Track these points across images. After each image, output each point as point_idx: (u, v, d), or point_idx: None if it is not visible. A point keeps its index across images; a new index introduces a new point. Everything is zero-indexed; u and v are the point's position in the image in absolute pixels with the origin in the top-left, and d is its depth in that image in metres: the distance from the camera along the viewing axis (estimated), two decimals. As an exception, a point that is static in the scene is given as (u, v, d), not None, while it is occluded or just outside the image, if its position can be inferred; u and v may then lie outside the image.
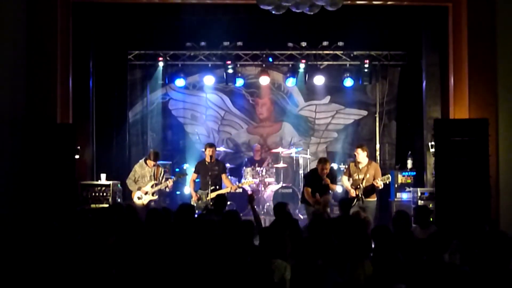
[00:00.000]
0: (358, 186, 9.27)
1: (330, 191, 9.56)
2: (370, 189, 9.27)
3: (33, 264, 4.96)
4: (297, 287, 4.74)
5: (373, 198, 9.42)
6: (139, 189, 9.79)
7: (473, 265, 4.84)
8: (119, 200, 10.14)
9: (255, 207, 7.78)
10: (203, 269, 4.87)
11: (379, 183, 9.20)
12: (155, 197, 9.92)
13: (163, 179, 10.01)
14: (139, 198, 9.76)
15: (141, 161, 10.07)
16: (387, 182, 9.45)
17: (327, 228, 6.11)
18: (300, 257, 4.82)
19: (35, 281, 4.79)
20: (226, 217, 6.22)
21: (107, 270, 5.00)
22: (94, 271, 4.91)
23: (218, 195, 8.91)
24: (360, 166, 9.43)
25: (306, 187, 9.43)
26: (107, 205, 9.62)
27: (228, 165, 11.75)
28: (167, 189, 10.17)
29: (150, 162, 9.92)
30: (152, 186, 9.82)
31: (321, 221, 6.36)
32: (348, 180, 9.51)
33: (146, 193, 9.76)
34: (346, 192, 11.22)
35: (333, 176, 9.57)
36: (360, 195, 9.20)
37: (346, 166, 10.24)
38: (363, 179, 9.27)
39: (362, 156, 9.43)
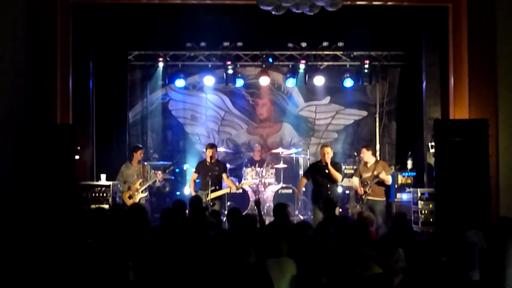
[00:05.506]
0: (366, 183, 9.32)
1: (335, 181, 9.30)
2: (379, 185, 9.34)
3: (34, 265, 4.96)
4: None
5: (382, 198, 9.41)
6: (129, 188, 9.92)
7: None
8: (118, 200, 10.14)
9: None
10: (203, 269, 4.86)
11: (384, 175, 9.24)
12: (145, 194, 10.01)
13: (150, 176, 10.10)
14: (130, 197, 9.86)
15: (127, 162, 10.19)
16: (393, 170, 9.77)
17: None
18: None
19: (36, 282, 4.79)
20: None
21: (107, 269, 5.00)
22: (94, 270, 4.91)
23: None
24: (368, 165, 9.53)
25: (302, 177, 9.69)
26: (106, 206, 9.64)
27: (228, 165, 11.74)
28: (158, 182, 10.30)
29: (135, 162, 10.08)
30: (140, 184, 9.92)
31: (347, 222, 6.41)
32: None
33: (136, 192, 9.85)
34: (344, 193, 11.21)
35: (338, 167, 9.43)
36: (366, 193, 9.25)
37: (355, 167, 10.38)
38: (371, 176, 9.33)
39: (367, 155, 9.54)
